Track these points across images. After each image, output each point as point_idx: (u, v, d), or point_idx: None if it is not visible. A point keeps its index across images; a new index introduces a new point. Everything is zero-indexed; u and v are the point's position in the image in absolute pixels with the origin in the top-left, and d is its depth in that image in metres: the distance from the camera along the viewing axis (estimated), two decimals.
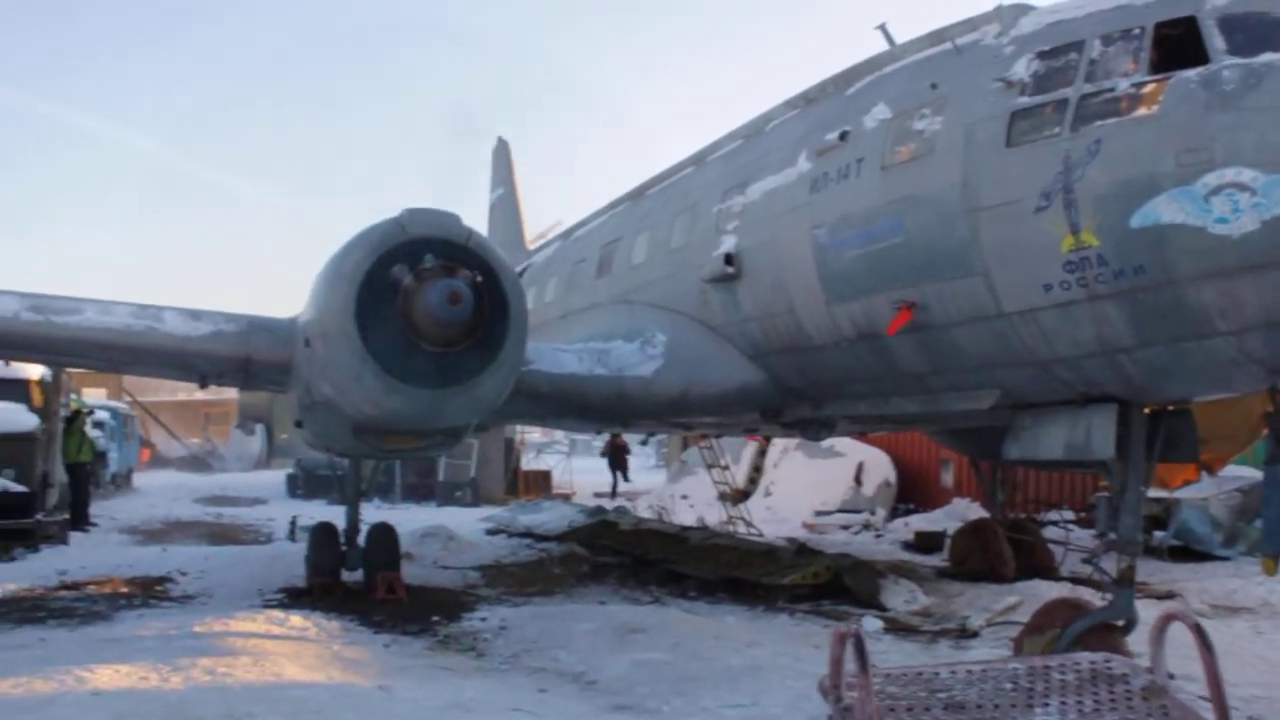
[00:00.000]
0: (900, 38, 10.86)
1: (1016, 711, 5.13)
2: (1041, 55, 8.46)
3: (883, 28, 10.98)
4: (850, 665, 4.77)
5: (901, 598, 12.78)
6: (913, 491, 23.79)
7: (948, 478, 23.24)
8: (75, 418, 21.93)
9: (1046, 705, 5.19)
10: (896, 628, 11.36)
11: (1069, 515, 17.90)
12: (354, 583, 13.36)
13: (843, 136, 10.22)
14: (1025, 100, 8.33)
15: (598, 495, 31.57)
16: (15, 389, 18.03)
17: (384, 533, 13.72)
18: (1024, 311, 8.43)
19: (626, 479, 34.89)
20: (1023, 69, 8.51)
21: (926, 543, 18.20)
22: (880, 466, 23.80)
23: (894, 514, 22.80)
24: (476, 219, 27.57)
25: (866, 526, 21.53)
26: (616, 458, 35.01)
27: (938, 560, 16.79)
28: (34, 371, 18.36)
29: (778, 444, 23.96)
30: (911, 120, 9.38)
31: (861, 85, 10.83)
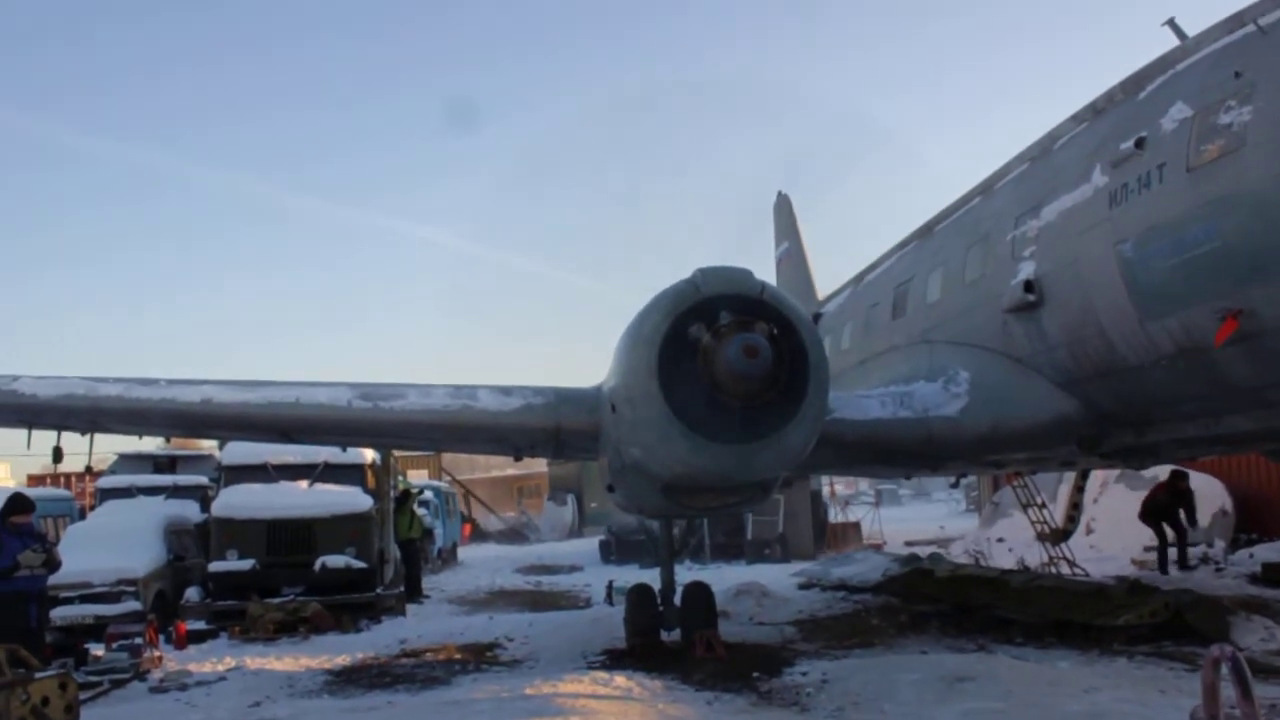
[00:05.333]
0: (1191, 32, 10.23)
1: None
2: None
3: (1171, 22, 10.36)
4: (1228, 693, 4.25)
5: (1256, 636, 11.76)
6: (1255, 520, 21.83)
7: None
8: (405, 498, 23.44)
9: None
10: (1253, 669, 10.38)
11: None
12: (672, 642, 13.50)
13: (1139, 144, 9.67)
14: None
15: (909, 544, 30.64)
16: (352, 473, 19.26)
17: (699, 591, 13.80)
18: None
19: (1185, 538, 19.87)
20: None
21: (1277, 576, 16.69)
22: (1214, 494, 22.03)
23: (1234, 545, 21.05)
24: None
25: (1204, 560, 20.01)
26: (1170, 511, 19.61)
27: None
28: (367, 455, 19.63)
29: (1096, 477, 22.69)
30: (1216, 115, 8.77)
31: (1154, 87, 10.22)
